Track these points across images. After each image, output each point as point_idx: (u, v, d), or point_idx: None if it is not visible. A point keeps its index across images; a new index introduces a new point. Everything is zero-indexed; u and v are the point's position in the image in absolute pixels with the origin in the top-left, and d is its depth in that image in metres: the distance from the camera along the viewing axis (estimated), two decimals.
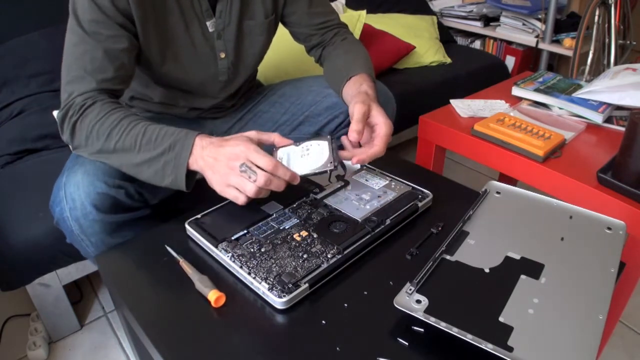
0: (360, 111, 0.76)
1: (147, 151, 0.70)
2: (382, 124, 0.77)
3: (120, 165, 0.73)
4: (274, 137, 0.74)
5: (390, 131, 0.77)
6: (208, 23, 0.87)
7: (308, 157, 0.73)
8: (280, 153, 0.74)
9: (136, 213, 0.79)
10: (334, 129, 1.02)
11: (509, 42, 2.34)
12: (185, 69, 0.90)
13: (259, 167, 0.65)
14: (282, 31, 1.03)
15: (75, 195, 0.73)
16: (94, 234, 0.75)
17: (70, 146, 0.78)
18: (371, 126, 0.78)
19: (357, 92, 0.83)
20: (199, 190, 0.98)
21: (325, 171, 0.71)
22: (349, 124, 1.05)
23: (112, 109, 0.74)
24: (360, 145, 0.78)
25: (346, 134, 0.78)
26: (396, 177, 0.81)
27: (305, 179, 0.73)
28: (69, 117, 0.74)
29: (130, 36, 0.78)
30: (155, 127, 0.72)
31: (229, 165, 0.66)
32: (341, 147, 0.78)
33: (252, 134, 0.72)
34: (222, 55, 0.92)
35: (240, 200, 0.67)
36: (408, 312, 0.53)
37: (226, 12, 0.88)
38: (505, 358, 0.48)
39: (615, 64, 1.87)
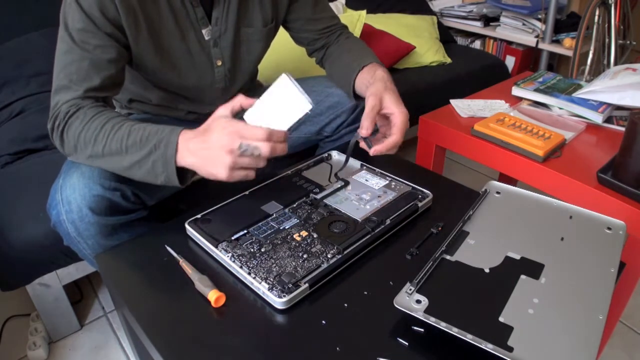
0: (369, 105, 0.78)
1: (134, 153, 0.69)
2: (397, 113, 0.79)
3: (112, 168, 0.73)
4: (240, 100, 0.71)
5: (405, 119, 0.79)
6: (204, 31, 0.86)
7: (281, 106, 0.68)
8: (251, 116, 0.70)
9: (132, 215, 0.79)
10: (336, 129, 1.02)
11: (509, 42, 2.34)
12: (182, 76, 0.89)
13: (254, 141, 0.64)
14: (281, 32, 1.03)
15: (72, 198, 0.73)
16: (90, 237, 0.75)
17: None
18: (387, 117, 0.80)
19: (373, 81, 0.85)
20: (199, 190, 0.98)
21: (308, 113, 0.67)
22: (351, 123, 1.05)
23: (95, 113, 0.72)
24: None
25: (351, 132, 0.79)
26: (396, 177, 0.81)
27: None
28: (57, 127, 0.74)
29: (119, 46, 0.77)
30: (140, 127, 0.70)
31: (227, 150, 0.64)
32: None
33: (222, 111, 0.70)
34: (219, 62, 0.91)
35: (251, 176, 0.67)
36: (408, 312, 0.53)
37: (222, 19, 0.87)
38: (505, 358, 0.48)
39: (615, 64, 1.87)
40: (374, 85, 0.82)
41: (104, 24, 0.74)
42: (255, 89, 1.15)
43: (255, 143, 0.64)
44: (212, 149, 0.65)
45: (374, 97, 0.78)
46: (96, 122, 0.71)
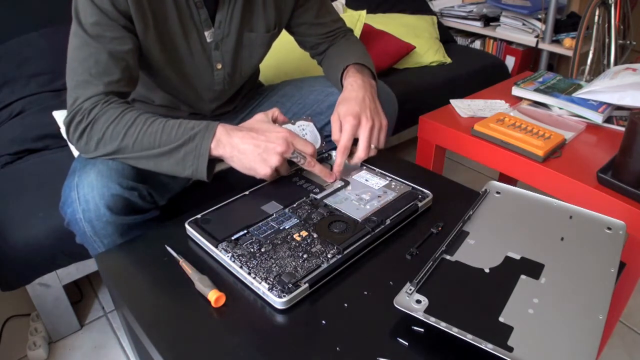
0: (332, 123, 0.82)
1: (166, 144, 0.72)
2: (342, 122, 0.81)
3: (137, 163, 0.74)
4: (276, 113, 0.80)
5: (348, 127, 0.80)
6: (206, 33, 0.86)
7: (307, 137, 0.81)
8: None
9: (147, 214, 0.79)
10: None
11: (509, 42, 2.34)
12: (184, 76, 0.89)
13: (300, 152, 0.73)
14: (282, 32, 1.03)
15: (89, 197, 0.72)
16: (106, 236, 0.75)
17: (76, 150, 0.78)
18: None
19: (343, 90, 0.88)
20: (198, 190, 0.98)
21: (322, 151, 0.85)
22: None
23: (124, 109, 0.74)
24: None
25: None
26: (396, 177, 0.81)
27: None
28: (76, 123, 0.73)
29: (134, 37, 0.78)
30: (174, 122, 0.73)
31: (279, 152, 0.71)
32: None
33: (264, 117, 0.76)
34: (219, 66, 0.91)
35: (274, 177, 0.78)
36: (408, 312, 0.53)
37: (225, 22, 0.87)
38: (505, 358, 0.48)
39: (615, 64, 1.87)
40: (340, 96, 0.86)
41: (116, 16, 0.74)
42: (256, 89, 1.15)
43: (304, 154, 0.73)
44: (263, 147, 0.71)
45: (334, 113, 0.83)
46: (127, 117, 0.73)
